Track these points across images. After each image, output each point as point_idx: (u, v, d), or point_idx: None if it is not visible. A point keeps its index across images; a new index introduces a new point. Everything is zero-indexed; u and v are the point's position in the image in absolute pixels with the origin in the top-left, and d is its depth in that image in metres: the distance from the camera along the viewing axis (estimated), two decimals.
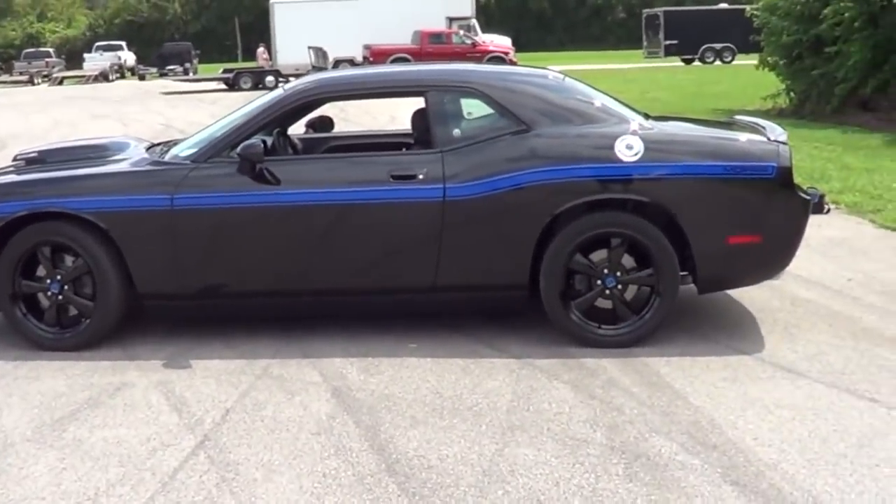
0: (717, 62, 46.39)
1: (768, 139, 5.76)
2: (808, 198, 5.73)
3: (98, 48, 57.50)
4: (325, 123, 7.46)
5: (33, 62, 54.80)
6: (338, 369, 5.51)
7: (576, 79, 6.63)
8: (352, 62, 37.52)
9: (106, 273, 5.87)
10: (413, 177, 5.69)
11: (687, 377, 5.23)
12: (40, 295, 6.05)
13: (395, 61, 35.45)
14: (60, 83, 48.54)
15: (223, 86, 39.36)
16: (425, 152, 5.92)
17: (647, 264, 5.68)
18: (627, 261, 5.75)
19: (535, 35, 72.10)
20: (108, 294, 5.90)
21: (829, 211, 6.16)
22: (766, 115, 18.08)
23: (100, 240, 5.85)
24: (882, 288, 6.85)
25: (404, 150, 6.54)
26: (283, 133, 6.57)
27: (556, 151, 5.69)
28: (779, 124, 6.26)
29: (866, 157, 13.08)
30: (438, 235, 5.68)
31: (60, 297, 5.98)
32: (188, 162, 5.94)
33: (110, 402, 5.14)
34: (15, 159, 6.67)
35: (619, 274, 5.70)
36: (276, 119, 6.05)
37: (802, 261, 6.78)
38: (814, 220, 5.96)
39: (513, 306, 5.96)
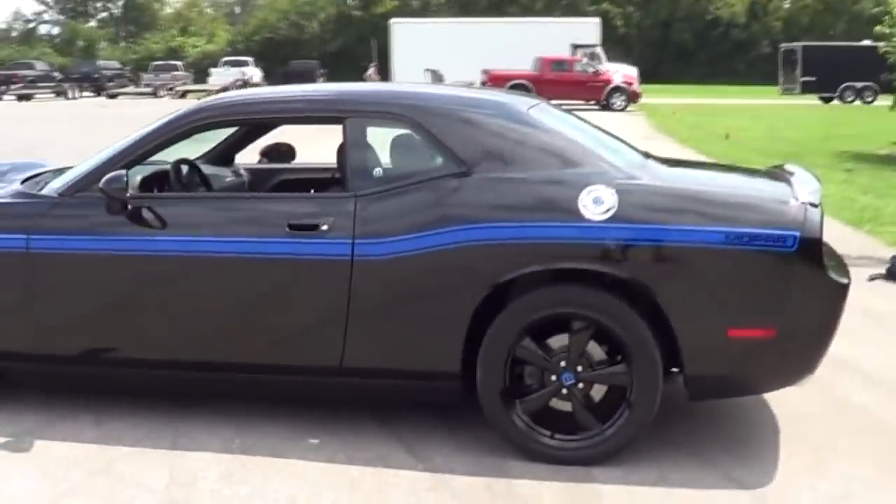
0: (858, 102, 43.59)
1: (795, 198, 4.26)
2: (842, 281, 4.22)
3: (225, 63, 57.35)
4: (283, 153, 6.18)
5: (160, 75, 54.95)
6: (195, 471, 4.23)
7: (560, 110, 5.24)
8: (469, 86, 36.36)
9: None
10: (314, 227, 4.38)
11: None
12: None
13: (512, 87, 34.13)
14: (183, 96, 48.63)
15: None
16: (335, 196, 4.61)
17: (620, 357, 4.25)
18: (597, 350, 4.34)
19: (675, 67, 69.63)
20: None
21: None
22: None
23: None
24: None
25: (312, 191, 5.22)
26: (192, 164, 5.32)
27: (501, 203, 4.30)
28: None
29: None
30: (345, 304, 4.35)
31: None
32: (54, 195, 4.75)
33: None
34: None
35: (580, 368, 4.29)
36: (162, 145, 4.79)
37: (874, 345, 5.21)
38: None
39: (443, 400, 4.58)
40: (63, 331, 4.71)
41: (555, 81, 34.60)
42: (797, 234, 4.10)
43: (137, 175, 4.94)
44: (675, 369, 4.37)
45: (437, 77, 35.90)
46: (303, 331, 4.49)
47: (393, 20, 43.43)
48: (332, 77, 53.99)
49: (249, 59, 59.39)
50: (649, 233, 4.14)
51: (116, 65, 59.08)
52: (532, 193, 4.31)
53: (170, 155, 5.01)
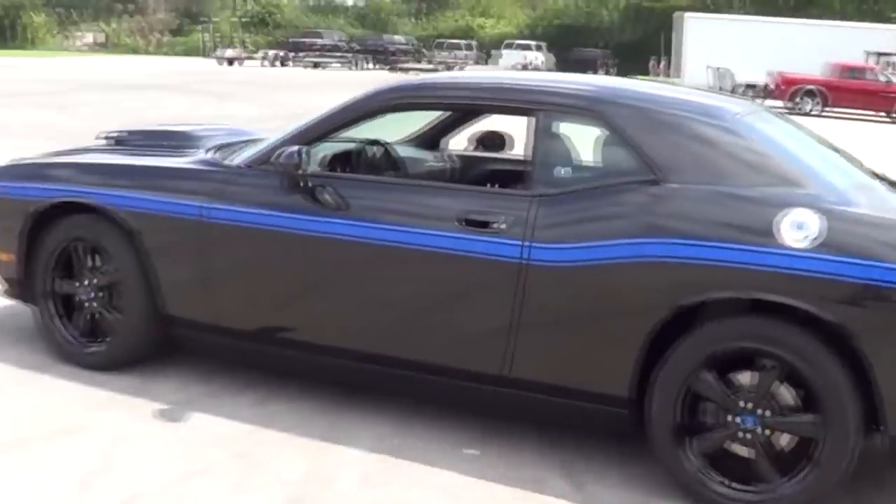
0: None
1: None
2: None
3: (508, 45, 57.80)
4: (496, 142, 5.86)
5: (453, 52, 56.16)
6: (337, 467, 4.03)
7: (784, 119, 4.70)
8: (754, 88, 34.76)
9: (132, 284, 4.75)
10: (486, 224, 4.07)
11: None
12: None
13: (805, 95, 32.45)
14: None
15: None
16: (513, 194, 4.28)
17: (813, 406, 3.72)
18: (787, 395, 3.81)
19: None
20: (133, 310, 4.78)
21: None
22: None
23: (128, 244, 4.73)
24: None
25: (489, 185, 4.87)
26: (384, 145, 5.11)
27: (689, 218, 3.85)
28: None
29: None
30: (512, 310, 4.03)
31: (92, 304, 4.93)
32: (237, 166, 4.66)
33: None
34: (98, 137, 5.70)
35: (765, 412, 3.78)
36: (347, 123, 4.60)
37: None
38: None
39: (610, 427, 4.17)
40: (232, 304, 4.63)
41: (846, 89, 32.54)
42: None
43: (326, 152, 4.77)
44: (876, 426, 3.78)
45: (723, 77, 34.59)
46: (468, 333, 4.20)
47: (686, 13, 42.20)
48: (619, 68, 53.23)
49: (533, 43, 59.27)
50: (857, 269, 3.58)
51: (403, 40, 60.57)
52: (726, 211, 3.82)
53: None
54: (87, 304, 4.95)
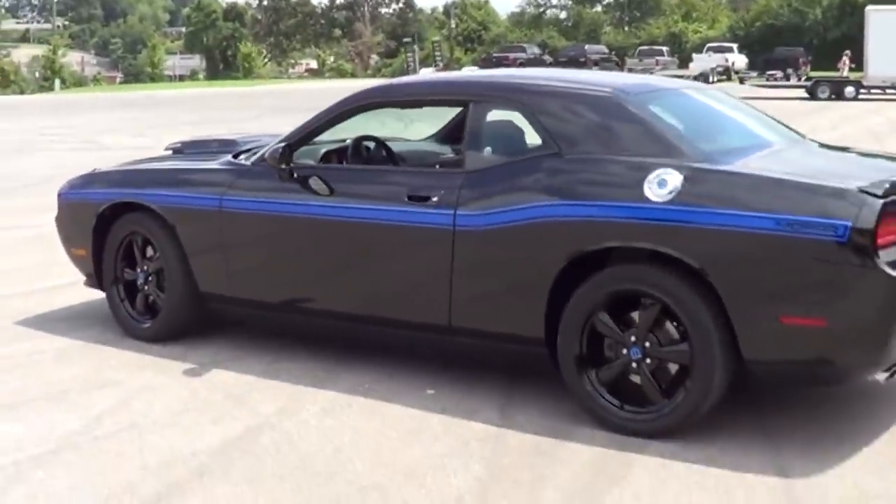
0: None
1: (859, 188, 4.12)
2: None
3: (709, 49, 57.28)
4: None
5: (644, 59, 56.24)
6: (306, 404, 4.91)
7: (707, 96, 5.35)
8: None
9: (173, 268, 5.77)
10: (427, 199, 4.89)
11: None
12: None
13: None
14: None
15: (805, 94, 37.50)
16: (449, 172, 5.11)
17: (687, 338, 4.37)
18: (672, 330, 4.46)
19: None
20: (174, 290, 5.80)
21: None
22: None
23: (168, 234, 5.76)
24: None
25: (437, 167, 5.65)
26: (377, 140, 5.96)
27: (576, 182, 4.57)
28: None
29: None
30: (448, 268, 4.83)
31: (146, 287, 5.99)
32: (247, 164, 5.64)
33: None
34: (164, 149, 6.80)
35: (648, 345, 4.44)
36: (328, 123, 5.50)
37: None
38: None
39: (534, 364, 4.88)
40: (243, 278, 5.60)
41: None
42: (848, 223, 3.98)
43: (325, 148, 5.71)
44: None
45: None
46: (420, 291, 5.02)
47: (869, 6, 40.98)
48: (813, 66, 51.94)
49: (734, 45, 58.81)
50: (703, 216, 4.22)
51: (604, 49, 61.16)
52: (607, 175, 4.53)
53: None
54: (142, 288, 6.00)
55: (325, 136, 5.69)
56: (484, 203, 4.73)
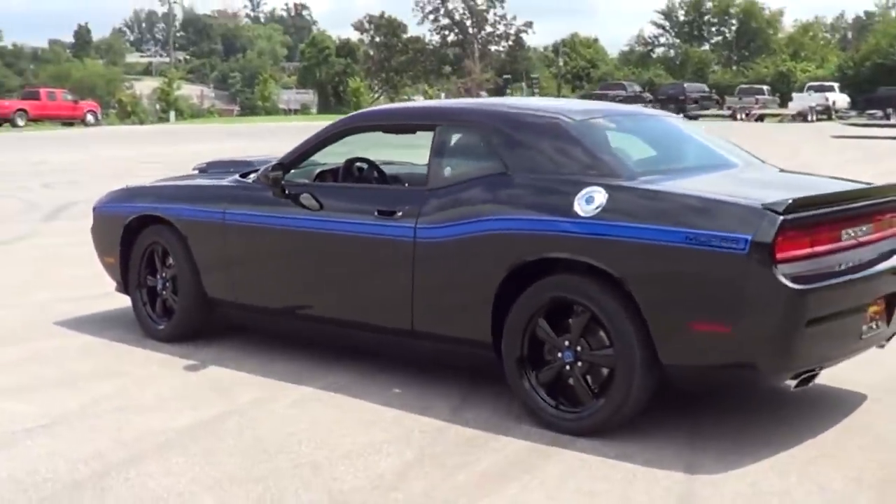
0: None
1: (762, 205, 4.48)
2: (795, 287, 4.36)
3: (809, 88, 56.93)
4: None
5: (744, 98, 56.09)
6: (280, 397, 5.44)
7: (655, 120, 5.76)
8: None
9: (185, 275, 6.37)
10: (392, 213, 5.39)
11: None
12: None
13: None
14: (760, 120, 49.36)
15: None
16: (414, 189, 5.65)
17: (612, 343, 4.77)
18: (603, 335, 4.86)
19: None
20: (186, 295, 6.39)
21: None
22: None
23: (182, 244, 6.36)
24: None
25: (406, 185, 6.12)
26: (369, 162, 6.47)
27: (518, 199, 5.04)
28: None
29: None
30: (410, 277, 5.32)
31: (164, 292, 6.60)
32: (248, 182, 6.21)
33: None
34: (193, 168, 7.44)
35: (579, 349, 4.86)
36: (317, 147, 6.08)
37: None
38: None
39: (486, 368, 5.32)
40: (246, 285, 6.20)
41: None
42: (749, 237, 4.35)
43: (318, 168, 6.27)
44: None
45: None
46: (388, 297, 5.51)
47: None
48: None
49: (835, 84, 58.32)
50: (622, 230, 4.64)
51: (703, 88, 61.14)
52: (544, 192, 5.00)
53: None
54: (161, 293, 6.61)
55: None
56: (440, 217, 5.22)
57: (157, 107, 67.33)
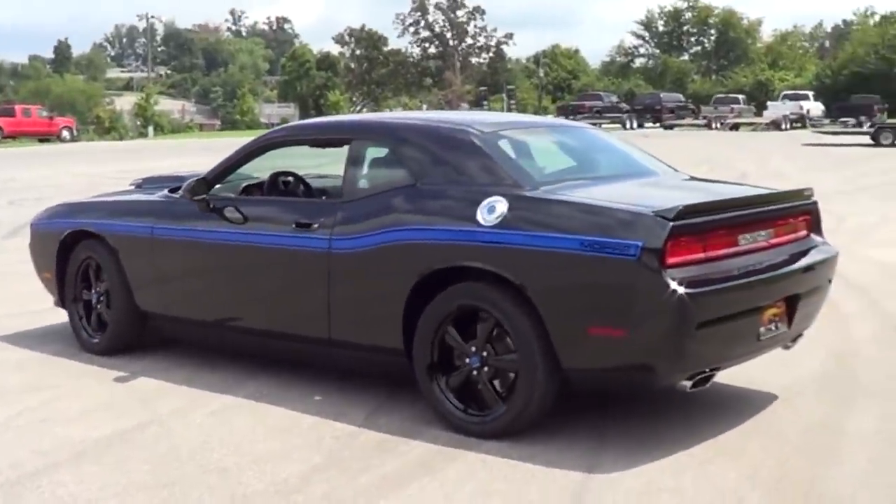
0: None
1: (653, 211, 4.63)
2: (683, 291, 4.51)
3: (784, 97, 57.38)
4: None
5: (720, 107, 56.51)
6: (207, 403, 5.59)
7: (574, 132, 5.95)
8: None
9: (116, 288, 6.50)
10: (309, 226, 5.53)
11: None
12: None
13: None
14: (734, 129, 49.84)
15: (870, 140, 37.25)
16: (330, 202, 5.80)
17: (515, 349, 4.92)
18: (508, 341, 5.00)
19: None
20: (118, 308, 6.52)
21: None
22: None
23: (114, 258, 6.49)
24: None
25: (324, 197, 6.27)
26: (293, 175, 6.61)
27: (426, 209, 5.20)
28: None
29: None
30: (326, 287, 5.46)
31: (98, 306, 6.73)
32: (175, 197, 6.35)
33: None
34: (129, 184, 7.58)
35: (485, 354, 5.00)
36: (240, 161, 6.23)
37: None
38: None
39: (400, 374, 5.45)
40: (174, 298, 6.34)
41: None
42: (640, 243, 4.51)
43: (245, 182, 6.41)
44: None
45: None
46: (307, 307, 5.66)
47: None
48: (891, 111, 51.74)
49: (809, 92, 59.03)
50: (520, 238, 4.79)
51: (680, 97, 61.66)
52: (450, 202, 5.15)
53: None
54: (96, 307, 6.73)
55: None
56: (353, 228, 5.36)
57: (139, 123, 67.36)
